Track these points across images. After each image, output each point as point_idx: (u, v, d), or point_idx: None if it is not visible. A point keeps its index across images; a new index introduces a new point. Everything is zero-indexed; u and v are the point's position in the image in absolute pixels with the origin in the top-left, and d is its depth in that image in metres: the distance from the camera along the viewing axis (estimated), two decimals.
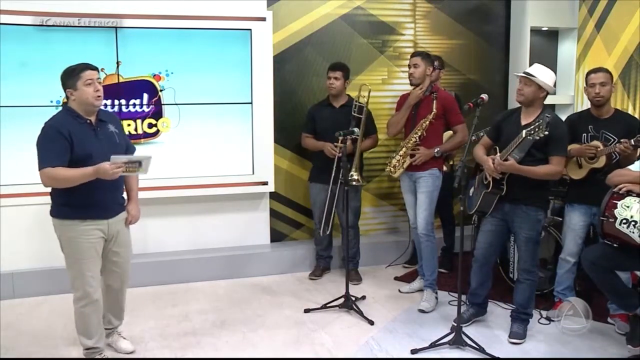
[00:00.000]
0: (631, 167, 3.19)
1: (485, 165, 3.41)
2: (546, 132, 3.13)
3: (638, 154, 3.46)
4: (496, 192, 3.39)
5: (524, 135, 3.19)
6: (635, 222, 2.92)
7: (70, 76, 2.89)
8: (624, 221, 2.97)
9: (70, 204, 2.93)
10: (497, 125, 3.54)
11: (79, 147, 2.85)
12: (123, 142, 3.12)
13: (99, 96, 2.92)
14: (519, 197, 3.35)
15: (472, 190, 3.68)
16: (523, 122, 3.38)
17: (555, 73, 5.42)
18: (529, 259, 3.44)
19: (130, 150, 3.18)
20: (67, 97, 2.95)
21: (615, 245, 3.10)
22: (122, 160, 2.79)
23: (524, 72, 3.36)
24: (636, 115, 4.23)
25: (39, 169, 2.83)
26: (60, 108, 4.11)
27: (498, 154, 3.35)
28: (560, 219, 3.92)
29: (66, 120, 2.89)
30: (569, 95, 5.31)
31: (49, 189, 3.03)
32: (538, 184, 3.36)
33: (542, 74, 3.32)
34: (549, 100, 5.34)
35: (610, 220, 3.04)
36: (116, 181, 2.98)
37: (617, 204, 3.03)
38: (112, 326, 3.34)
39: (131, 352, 3.32)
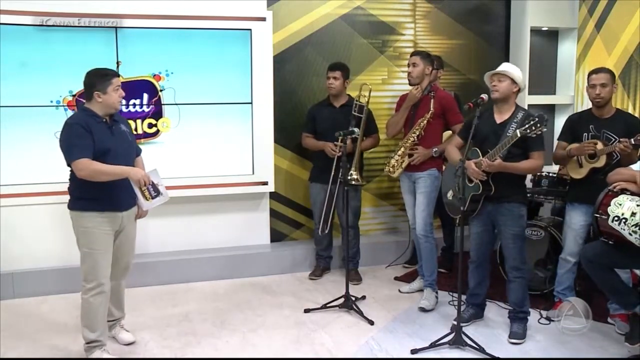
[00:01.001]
0: (633, 167, 3.20)
1: (469, 170, 3.37)
2: (545, 129, 3.15)
3: (639, 154, 3.46)
4: (484, 192, 3.40)
5: (518, 135, 3.20)
6: (626, 219, 2.97)
7: (102, 80, 3.09)
8: (616, 218, 3.02)
9: (88, 197, 3.10)
10: (469, 125, 3.53)
11: (98, 142, 3.05)
12: (134, 141, 3.33)
13: (120, 101, 3.19)
14: (500, 195, 3.37)
15: (449, 194, 3.67)
16: (498, 121, 3.43)
17: (555, 73, 5.50)
18: (517, 256, 3.46)
19: (137, 150, 3.40)
20: (90, 97, 3.11)
21: (610, 242, 3.13)
22: (153, 179, 3.12)
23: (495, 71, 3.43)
24: (637, 115, 4.23)
25: (73, 160, 3.00)
26: (59, 108, 4.15)
27: (482, 157, 3.35)
28: (561, 219, 3.92)
29: (86, 118, 3.09)
30: (569, 95, 5.32)
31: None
32: (517, 181, 3.41)
33: (512, 69, 3.40)
34: (550, 100, 5.42)
35: (604, 217, 3.10)
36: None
37: (610, 201, 3.09)
38: (114, 317, 3.45)
39: (131, 343, 3.41)
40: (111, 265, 3.26)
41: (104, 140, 3.08)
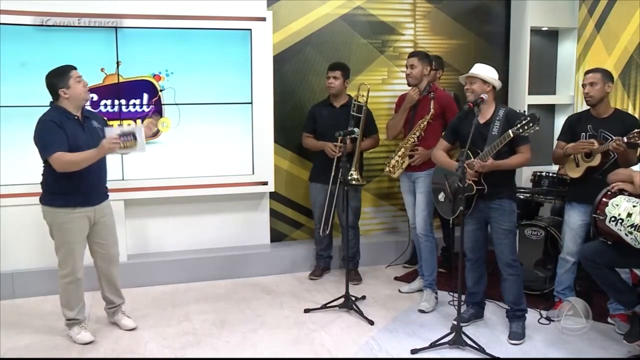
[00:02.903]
0: (634, 167, 3.22)
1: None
2: (537, 128, 3.16)
3: (638, 154, 3.46)
4: (477, 192, 3.41)
5: (512, 135, 3.22)
6: (622, 220, 3.00)
7: (62, 77, 3.21)
8: (613, 219, 3.05)
9: (61, 193, 3.24)
10: (454, 128, 3.57)
11: (70, 138, 3.18)
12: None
13: (87, 91, 3.31)
14: (491, 192, 3.40)
15: (441, 195, 3.68)
16: (481, 121, 3.46)
17: (555, 73, 5.50)
18: (509, 252, 3.47)
19: None
20: (57, 97, 3.23)
21: (609, 242, 3.15)
22: (116, 133, 3.15)
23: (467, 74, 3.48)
24: (636, 115, 4.23)
25: (48, 156, 3.13)
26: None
27: (473, 158, 3.35)
28: (561, 219, 3.93)
29: (58, 115, 3.22)
30: (569, 95, 5.31)
31: None
32: (507, 177, 3.45)
33: (482, 70, 3.44)
34: (550, 100, 5.41)
35: (601, 217, 3.13)
36: (100, 173, 3.33)
37: (608, 202, 3.12)
38: (115, 304, 3.60)
39: (133, 329, 3.58)
40: (95, 255, 3.45)
41: (75, 136, 3.19)
